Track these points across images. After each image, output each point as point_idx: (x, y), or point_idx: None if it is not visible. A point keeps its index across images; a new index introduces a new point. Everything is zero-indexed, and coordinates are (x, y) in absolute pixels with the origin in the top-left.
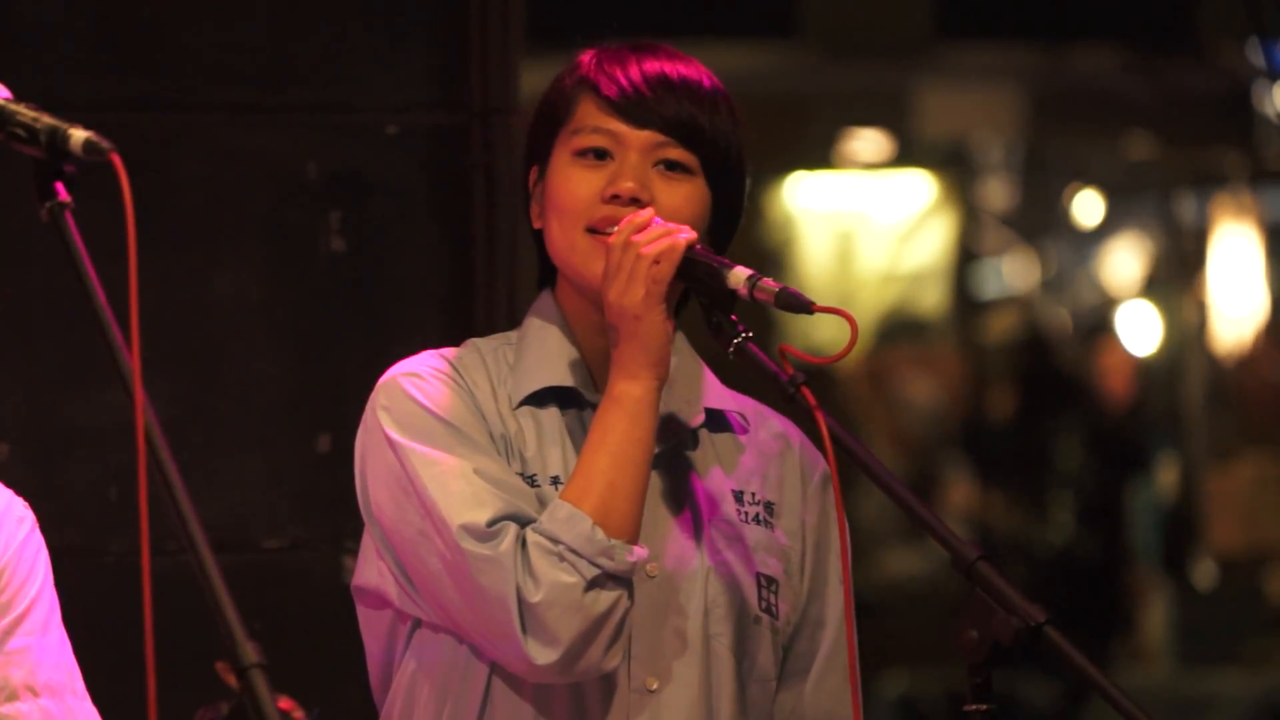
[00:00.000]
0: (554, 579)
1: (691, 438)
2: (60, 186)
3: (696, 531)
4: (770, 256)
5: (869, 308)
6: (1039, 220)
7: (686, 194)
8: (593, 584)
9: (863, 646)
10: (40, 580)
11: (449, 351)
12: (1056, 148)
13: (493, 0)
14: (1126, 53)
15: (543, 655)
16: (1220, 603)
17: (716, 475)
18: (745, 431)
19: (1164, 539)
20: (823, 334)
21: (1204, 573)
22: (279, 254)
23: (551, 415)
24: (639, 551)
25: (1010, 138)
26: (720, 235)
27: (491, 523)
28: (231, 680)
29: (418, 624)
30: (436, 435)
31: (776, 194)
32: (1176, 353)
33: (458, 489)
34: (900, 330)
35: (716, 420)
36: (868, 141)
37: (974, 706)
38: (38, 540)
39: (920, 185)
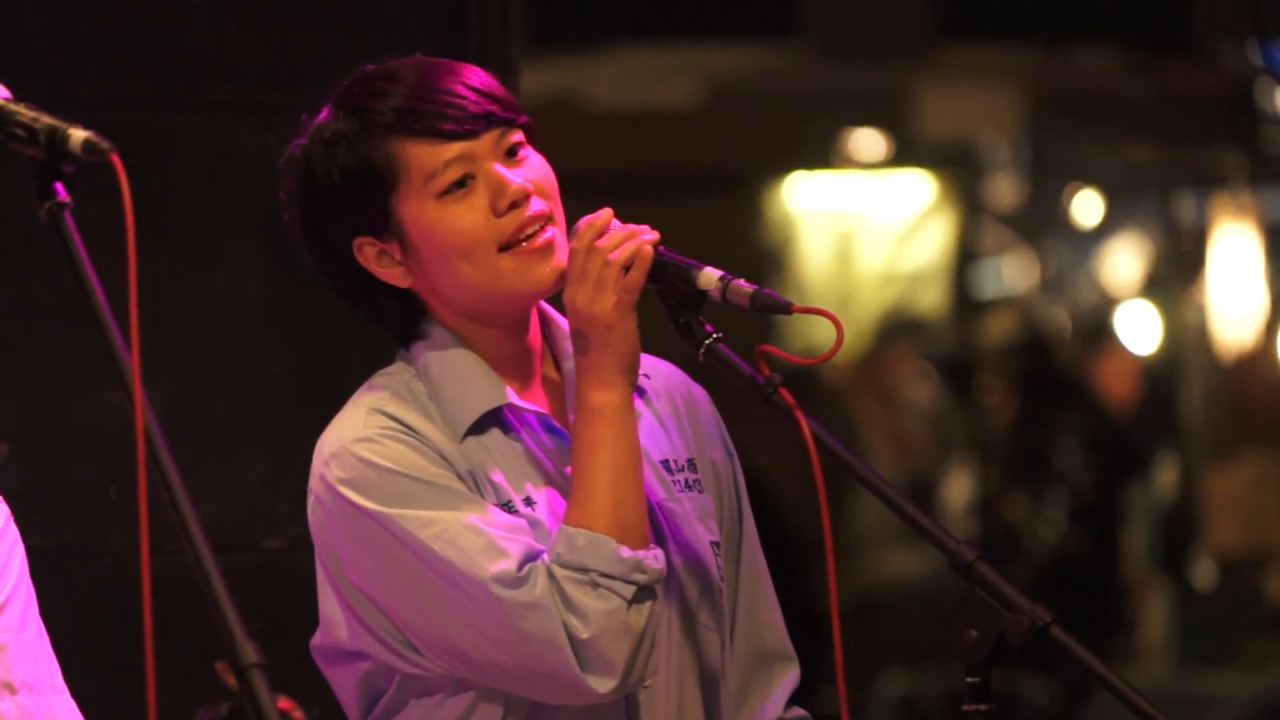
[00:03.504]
0: (598, 609)
1: None
2: (59, 186)
3: (653, 518)
4: (769, 256)
5: (868, 308)
6: (1039, 220)
7: (537, 164)
8: (632, 602)
9: (863, 646)
10: (15, 575)
11: (372, 401)
12: (1056, 147)
13: (493, 0)
14: (1126, 53)
15: (603, 684)
16: (1220, 603)
17: (644, 450)
18: (642, 394)
19: (1163, 539)
20: (822, 334)
21: (1203, 573)
22: (279, 254)
23: (495, 439)
24: (659, 555)
25: (1010, 138)
26: None
27: (520, 567)
28: (231, 680)
29: (410, 676)
30: (417, 496)
31: (776, 194)
32: (1176, 353)
33: (471, 543)
34: (899, 330)
35: None
36: (867, 141)
37: (974, 706)
38: (13, 534)
39: (920, 185)
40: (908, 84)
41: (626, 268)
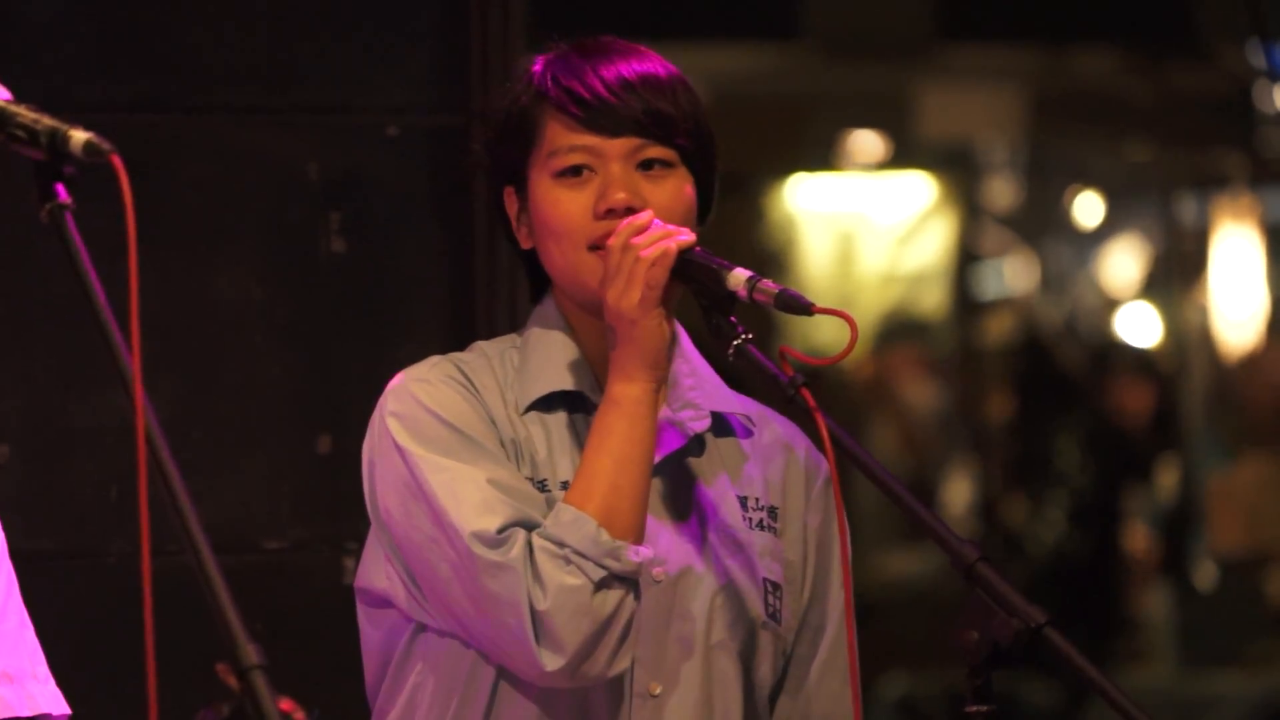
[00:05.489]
0: (561, 582)
1: (697, 443)
2: (60, 188)
3: (702, 537)
4: (771, 257)
5: (869, 309)
6: (1039, 221)
7: (674, 189)
8: (600, 585)
9: (863, 648)
10: None
11: (456, 356)
12: (1057, 149)
13: (493, 1)
14: (1127, 54)
15: (552, 661)
16: (1221, 604)
17: (721, 481)
18: (749, 435)
19: (1165, 540)
20: (824, 335)
21: (1205, 573)
22: (280, 255)
23: (559, 420)
24: (644, 551)
25: (1011, 139)
26: (702, 217)
27: (502, 529)
28: (232, 681)
29: (422, 627)
30: (447, 443)
31: (777, 195)
32: (1177, 354)
33: (468, 496)
34: (901, 331)
35: (720, 424)
36: (868, 142)
37: (975, 708)
38: None
39: (920, 186)
40: (908, 85)
41: (655, 264)
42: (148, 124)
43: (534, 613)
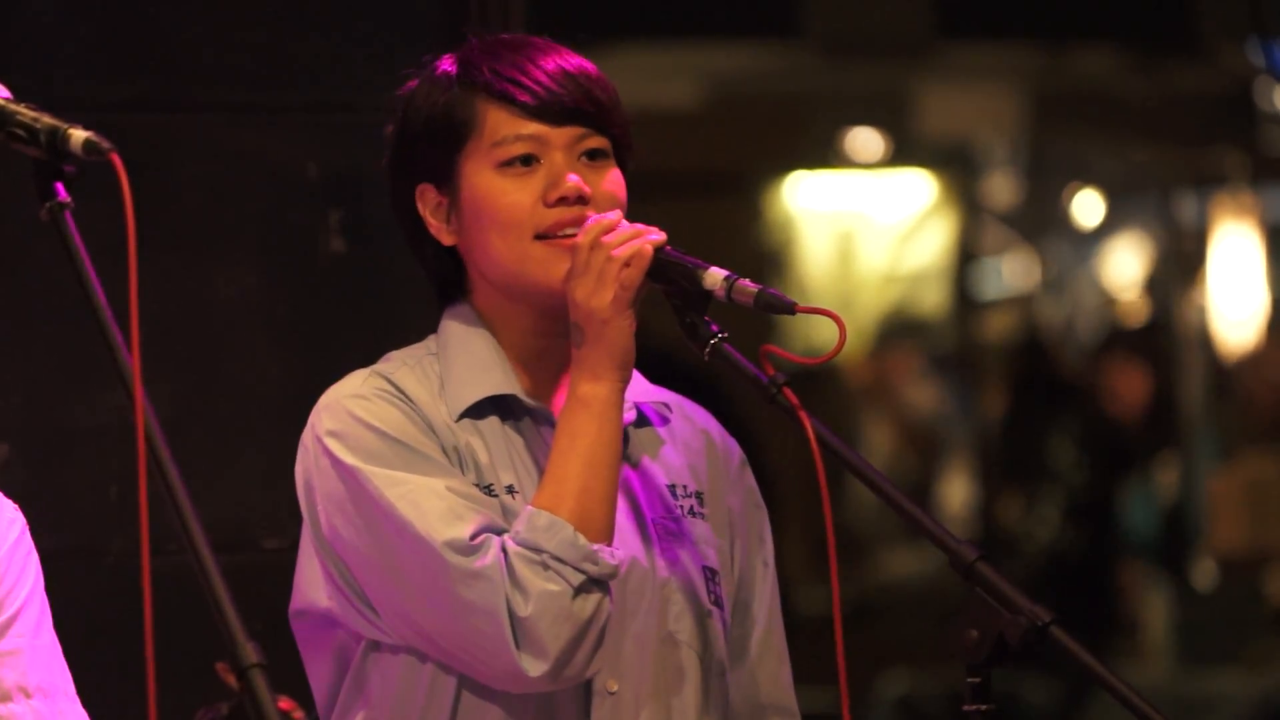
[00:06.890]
0: (541, 589)
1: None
2: (60, 187)
3: (642, 529)
4: (770, 257)
5: (869, 308)
6: (1039, 220)
7: (613, 179)
8: (579, 590)
9: (863, 647)
10: (31, 583)
11: (381, 368)
12: (1057, 148)
13: (493, 1)
14: (1127, 53)
15: (534, 667)
16: (1220, 603)
17: (650, 471)
18: (665, 423)
19: (1164, 539)
20: (823, 335)
21: (1204, 573)
22: (279, 254)
23: (492, 425)
24: (620, 554)
25: (1010, 138)
26: None
27: (474, 536)
28: (232, 680)
29: (375, 645)
30: (393, 457)
31: (776, 194)
32: (1177, 353)
33: (432, 506)
34: (900, 330)
35: (638, 415)
36: (868, 141)
37: (974, 707)
38: (28, 543)
39: (920, 185)
40: (908, 84)
41: (628, 264)
42: (147, 123)
43: (514, 619)
